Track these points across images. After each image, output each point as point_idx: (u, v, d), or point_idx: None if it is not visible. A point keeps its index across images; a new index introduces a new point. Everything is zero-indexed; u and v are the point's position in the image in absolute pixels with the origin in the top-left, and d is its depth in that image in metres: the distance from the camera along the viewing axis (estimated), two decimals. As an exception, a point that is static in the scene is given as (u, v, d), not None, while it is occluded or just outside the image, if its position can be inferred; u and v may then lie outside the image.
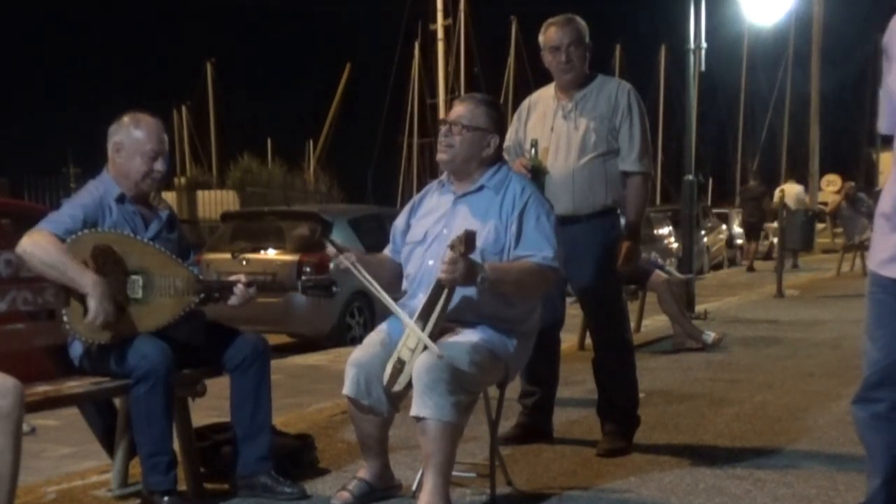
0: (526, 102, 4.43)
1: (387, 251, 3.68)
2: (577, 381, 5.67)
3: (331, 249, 3.37)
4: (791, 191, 17.79)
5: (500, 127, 3.56)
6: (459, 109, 3.47)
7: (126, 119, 3.57)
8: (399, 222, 3.64)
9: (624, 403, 4.30)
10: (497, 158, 3.52)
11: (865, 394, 2.69)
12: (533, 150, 4.12)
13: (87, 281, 3.28)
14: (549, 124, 4.23)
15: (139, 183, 3.55)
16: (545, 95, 4.36)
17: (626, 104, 4.17)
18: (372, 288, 3.29)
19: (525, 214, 3.37)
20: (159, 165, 3.56)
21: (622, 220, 4.36)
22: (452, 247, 3.09)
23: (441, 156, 3.49)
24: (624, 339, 4.37)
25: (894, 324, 2.61)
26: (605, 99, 4.18)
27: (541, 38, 4.24)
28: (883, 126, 2.60)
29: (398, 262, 3.58)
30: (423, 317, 3.18)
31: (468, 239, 3.07)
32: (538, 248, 3.34)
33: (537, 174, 4.01)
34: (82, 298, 3.33)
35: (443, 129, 3.49)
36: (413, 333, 3.17)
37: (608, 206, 4.22)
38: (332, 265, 3.41)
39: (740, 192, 17.07)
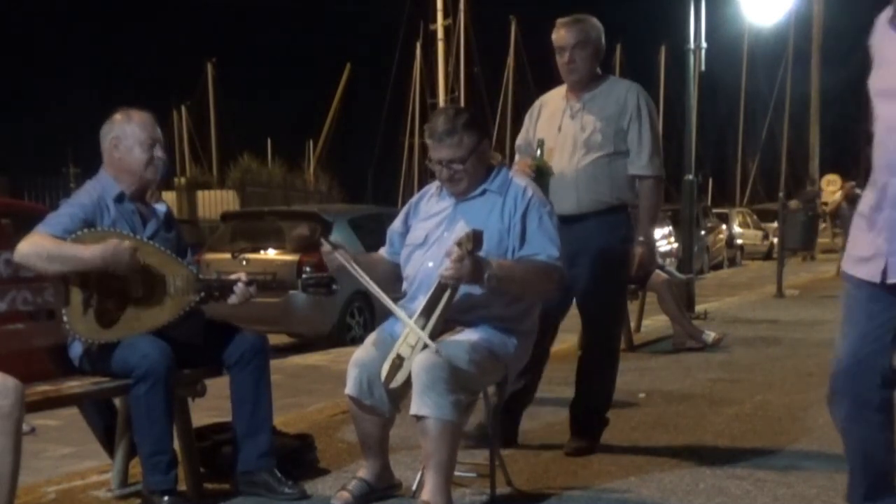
0: (538, 102, 4.40)
1: (382, 251, 3.68)
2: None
3: (326, 247, 3.37)
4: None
5: (482, 125, 3.51)
6: (445, 152, 3.36)
7: (118, 116, 3.60)
8: (395, 225, 3.62)
9: (596, 404, 4.27)
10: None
11: (833, 395, 2.77)
12: (539, 151, 4.10)
13: (88, 255, 3.28)
14: (556, 124, 4.19)
15: (143, 174, 3.56)
16: (556, 95, 4.32)
17: (636, 106, 4.10)
18: (367, 284, 3.29)
19: (528, 216, 3.36)
20: (159, 152, 3.58)
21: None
22: (460, 244, 3.07)
23: (455, 189, 3.43)
24: (613, 344, 4.35)
25: (863, 323, 2.66)
26: (614, 100, 4.13)
27: (553, 37, 4.21)
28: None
29: (394, 262, 3.58)
30: (425, 314, 3.18)
31: (476, 237, 3.05)
32: (543, 249, 3.33)
33: (541, 174, 3.99)
34: (83, 298, 3.33)
35: (439, 168, 3.40)
36: (413, 331, 3.17)
37: (613, 204, 4.15)
38: (327, 261, 3.42)
39: (797, 196, 17.14)
